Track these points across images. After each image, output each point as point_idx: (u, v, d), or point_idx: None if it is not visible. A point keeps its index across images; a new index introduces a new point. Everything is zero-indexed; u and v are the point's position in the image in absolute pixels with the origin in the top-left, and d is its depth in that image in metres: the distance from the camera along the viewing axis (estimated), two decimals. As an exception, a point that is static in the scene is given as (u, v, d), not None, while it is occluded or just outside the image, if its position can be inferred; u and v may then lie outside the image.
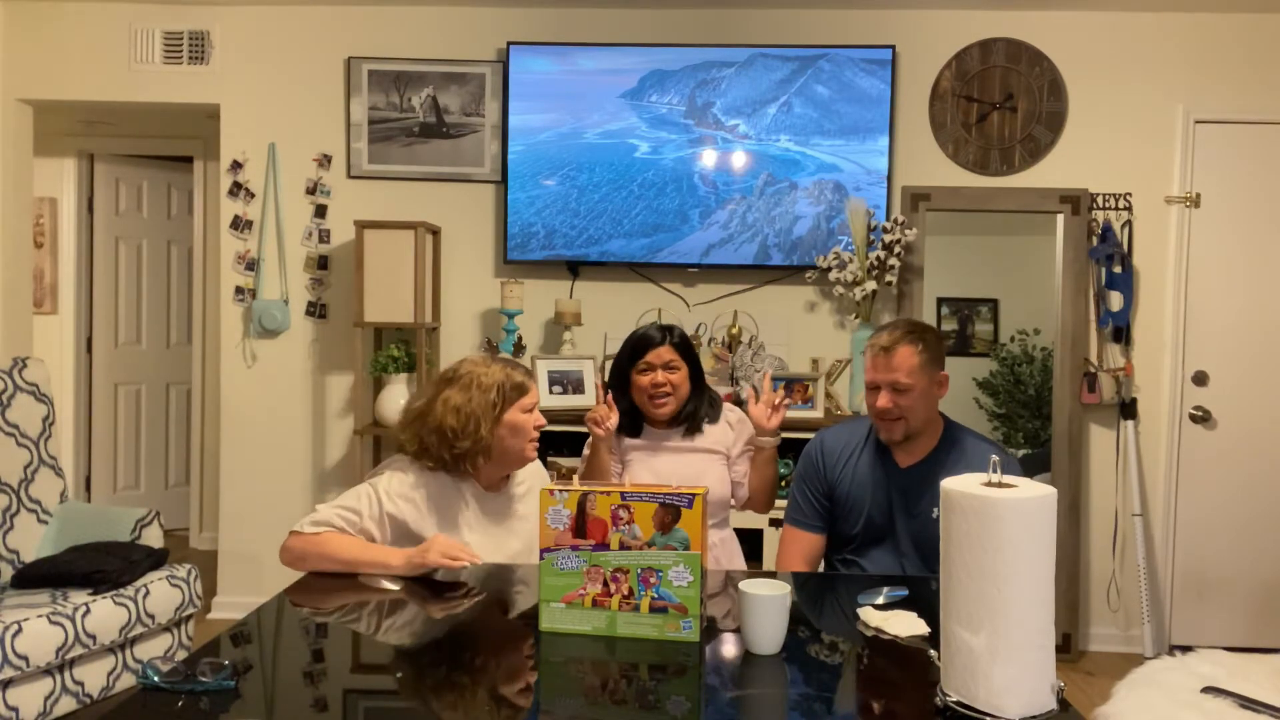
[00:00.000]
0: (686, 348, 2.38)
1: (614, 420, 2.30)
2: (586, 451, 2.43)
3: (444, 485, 2.08)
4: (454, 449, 2.03)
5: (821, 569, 2.34)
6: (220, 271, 4.10)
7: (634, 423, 2.41)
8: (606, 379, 2.52)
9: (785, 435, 2.57)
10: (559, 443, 3.65)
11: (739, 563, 2.44)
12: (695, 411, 2.40)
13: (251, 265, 4.04)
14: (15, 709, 2.58)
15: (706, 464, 2.38)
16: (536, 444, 2.13)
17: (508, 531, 2.13)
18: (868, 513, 2.20)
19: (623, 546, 1.57)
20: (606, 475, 2.33)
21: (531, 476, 2.25)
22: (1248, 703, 1.63)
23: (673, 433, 2.40)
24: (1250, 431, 3.85)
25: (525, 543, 2.15)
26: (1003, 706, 1.22)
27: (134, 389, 5.28)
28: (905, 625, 1.61)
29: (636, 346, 2.36)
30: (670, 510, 1.55)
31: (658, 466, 2.36)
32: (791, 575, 2.07)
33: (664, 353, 2.34)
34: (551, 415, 3.55)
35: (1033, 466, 3.95)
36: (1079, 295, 3.82)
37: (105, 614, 2.79)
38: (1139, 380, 3.87)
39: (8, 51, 3.98)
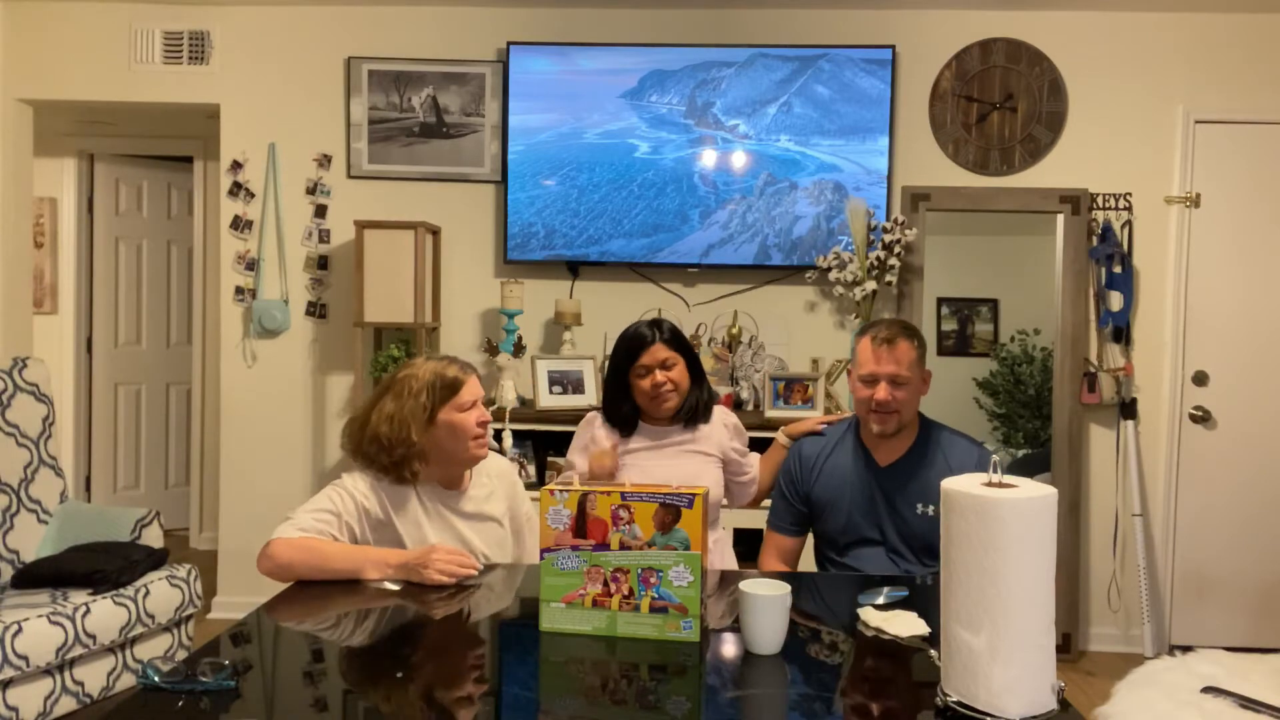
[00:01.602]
0: (679, 341, 2.36)
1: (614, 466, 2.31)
2: (572, 457, 2.44)
3: (393, 487, 2.07)
4: (391, 456, 2.02)
5: (815, 570, 2.36)
6: (220, 271, 4.10)
7: (631, 421, 2.38)
8: (604, 378, 2.51)
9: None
10: (559, 443, 3.65)
11: (730, 563, 2.45)
12: (696, 404, 2.37)
13: (251, 265, 4.04)
14: (15, 709, 2.58)
15: (701, 466, 2.37)
16: (483, 441, 2.09)
17: (471, 532, 2.11)
18: (849, 512, 2.23)
19: (623, 546, 1.57)
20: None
21: (498, 478, 2.22)
22: (1248, 703, 1.63)
23: (671, 429, 2.38)
24: (1250, 431, 3.85)
25: (492, 547, 2.14)
26: (1003, 706, 1.22)
27: (134, 389, 5.28)
28: (905, 625, 1.61)
29: (631, 348, 2.34)
30: (670, 510, 1.55)
31: (653, 470, 2.33)
32: (791, 575, 2.08)
33: (658, 351, 2.31)
34: (551, 415, 3.56)
35: (1033, 466, 3.95)
36: (1079, 295, 3.82)
37: (105, 614, 2.79)
38: (1139, 380, 3.87)
39: (8, 51, 3.98)
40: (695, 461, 2.37)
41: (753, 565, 3.15)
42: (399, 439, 2.01)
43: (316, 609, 1.77)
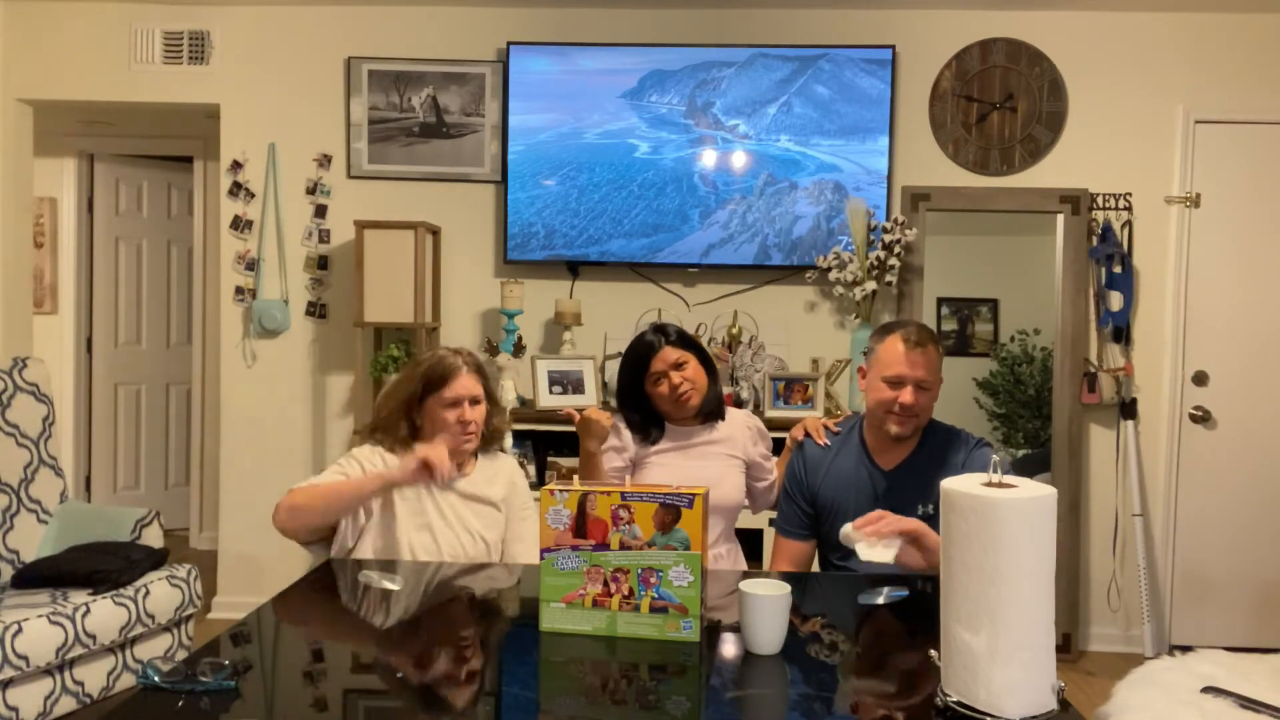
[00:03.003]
0: (686, 339, 2.36)
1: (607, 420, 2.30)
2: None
3: (401, 457, 2.15)
4: (375, 424, 2.22)
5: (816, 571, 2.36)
6: (220, 271, 4.10)
7: (656, 427, 2.36)
8: (614, 389, 2.50)
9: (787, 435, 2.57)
10: (559, 443, 3.65)
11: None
12: (716, 397, 2.38)
13: (251, 265, 4.04)
14: (15, 709, 2.58)
15: (726, 468, 2.36)
16: (466, 436, 2.15)
17: (469, 511, 2.16)
18: (853, 517, 2.21)
19: (623, 546, 1.57)
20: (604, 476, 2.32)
21: (501, 468, 2.27)
22: (1248, 703, 1.63)
23: (695, 429, 2.37)
24: (1250, 431, 3.85)
25: (489, 529, 2.18)
26: (1003, 706, 1.22)
27: (134, 389, 5.28)
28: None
29: (640, 358, 2.33)
30: (670, 510, 1.55)
31: (681, 472, 2.30)
32: (790, 575, 2.08)
33: (669, 354, 2.30)
34: (552, 415, 3.56)
35: (1033, 466, 3.95)
36: (1079, 295, 3.82)
37: (105, 614, 2.79)
38: (1139, 380, 3.87)
39: (8, 51, 3.98)
40: (721, 463, 2.36)
41: (758, 565, 3.16)
42: (380, 409, 2.22)
43: (317, 608, 1.77)
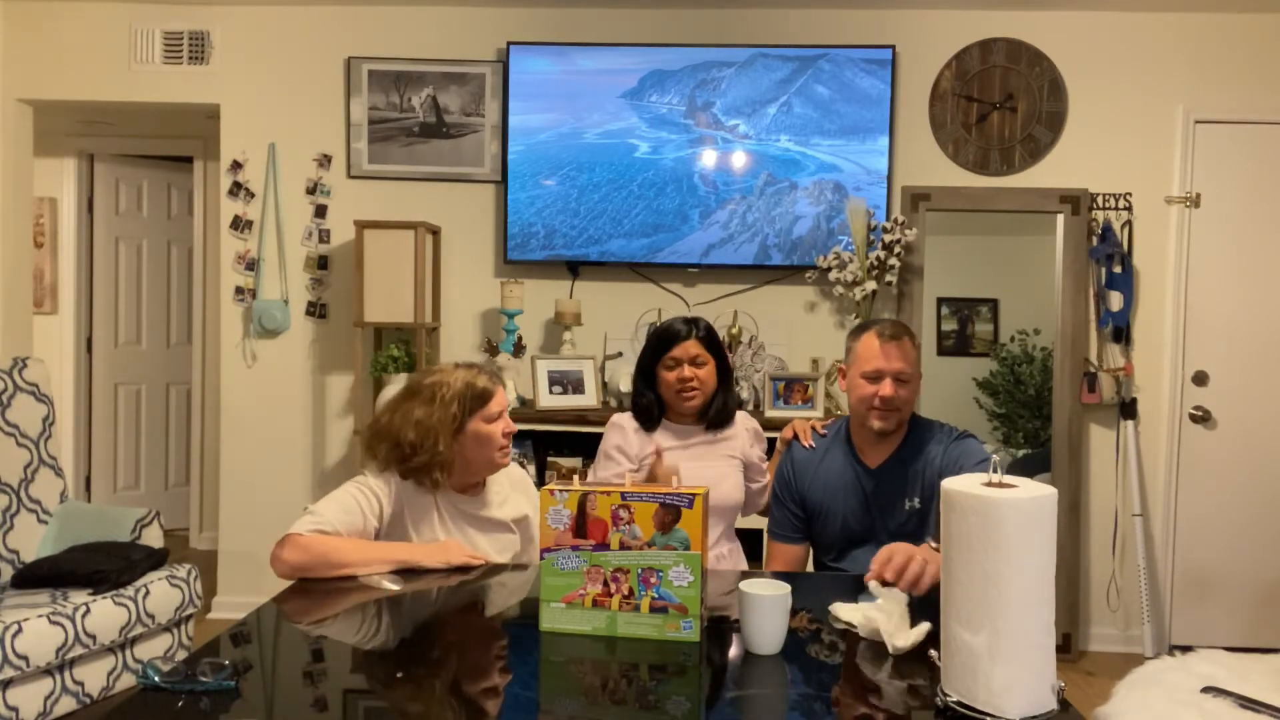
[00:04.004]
0: (713, 341, 2.36)
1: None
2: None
3: (412, 489, 2.07)
4: (408, 463, 2.02)
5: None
6: (220, 271, 4.10)
7: (653, 415, 2.37)
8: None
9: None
10: (559, 443, 3.65)
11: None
12: (721, 406, 2.37)
13: (251, 265, 4.04)
14: (15, 709, 2.58)
15: (726, 469, 2.37)
16: (507, 450, 2.10)
17: (484, 539, 2.12)
18: (844, 518, 2.23)
19: (623, 546, 1.57)
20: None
21: (511, 486, 2.24)
22: (1248, 703, 1.63)
23: (695, 429, 2.38)
24: (1250, 431, 3.85)
25: (504, 554, 2.15)
26: (1003, 706, 1.22)
27: (134, 389, 5.29)
28: (861, 614, 1.59)
29: (662, 340, 2.33)
30: (670, 510, 1.55)
31: (681, 470, 2.30)
32: (790, 576, 2.08)
33: (690, 347, 2.30)
34: (551, 415, 3.56)
35: (1033, 466, 3.95)
36: (1079, 295, 3.82)
37: (105, 614, 2.79)
38: (1139, 380, 3.87)
39: (8, 51, 3.98)
40: (722, 463, 2.36)
41: (758, 565, 3.16)
42: (425, 446, 2.01)
43: (317, 609, 1.77)
